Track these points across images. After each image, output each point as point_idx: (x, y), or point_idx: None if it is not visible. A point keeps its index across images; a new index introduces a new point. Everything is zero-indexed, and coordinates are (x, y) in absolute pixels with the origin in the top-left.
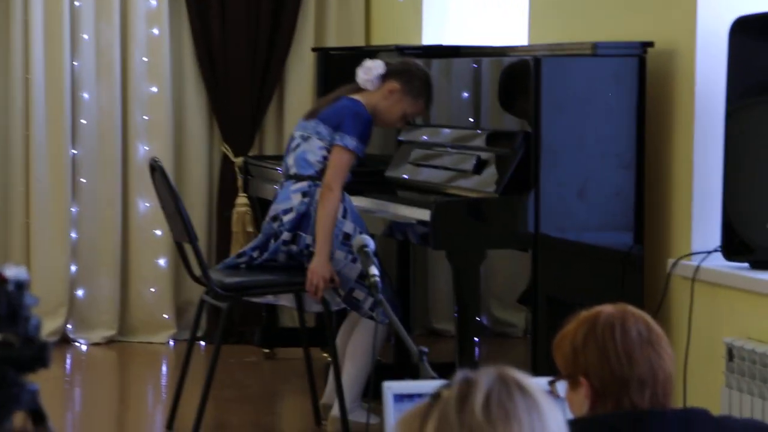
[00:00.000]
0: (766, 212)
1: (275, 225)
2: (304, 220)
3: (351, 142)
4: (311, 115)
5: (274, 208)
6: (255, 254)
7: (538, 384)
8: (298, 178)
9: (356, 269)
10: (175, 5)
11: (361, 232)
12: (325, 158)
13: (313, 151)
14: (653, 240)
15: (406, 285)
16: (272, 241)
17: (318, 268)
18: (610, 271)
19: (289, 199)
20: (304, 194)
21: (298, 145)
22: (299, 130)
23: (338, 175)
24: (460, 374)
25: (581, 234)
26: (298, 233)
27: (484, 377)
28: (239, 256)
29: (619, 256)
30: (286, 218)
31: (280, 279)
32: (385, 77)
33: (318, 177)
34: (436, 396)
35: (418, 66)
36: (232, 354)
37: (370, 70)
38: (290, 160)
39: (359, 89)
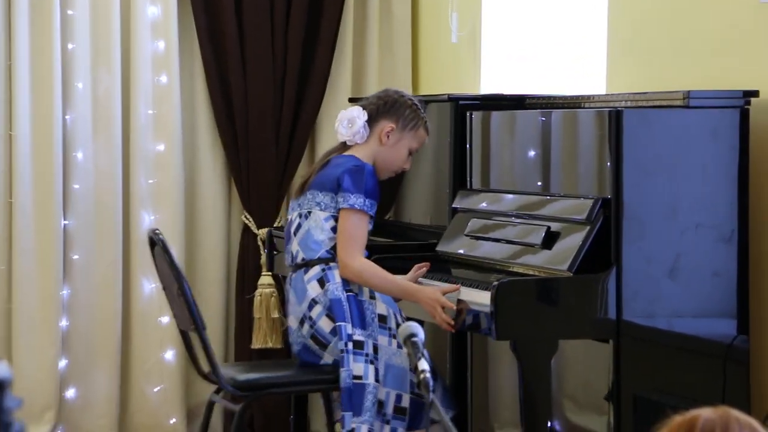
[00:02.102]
0: None
1: (305, 330)
2: (336, 308)
3: (357, 199)
4: (302, 190)
5: (296, 312)
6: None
7: None
8: (307, 265)
9: (405, 358)
10: (187, 48)
11: (396, 315)
12: (336, 229)
13: (320, 225)
14: (760, 329)
15: (462, 383)
16: (310, 347)
17: (425, 294)
18: (709, 366)
19: (305, 292)
20: (321, 282)
21: (299, 226)
22: (295, 210)
23: (351, 244)
24: None
25: (673, 321)
26: (336, 325)
27: None
28: None
29: (719, 348)
30: (315, 313)
31: (305, 375)
32: (371, 122)
33: (332, 257)
34: None
35: (399, 93)
36: None
37: (352, 122)
38: (294, 246)
39: (347, 147)
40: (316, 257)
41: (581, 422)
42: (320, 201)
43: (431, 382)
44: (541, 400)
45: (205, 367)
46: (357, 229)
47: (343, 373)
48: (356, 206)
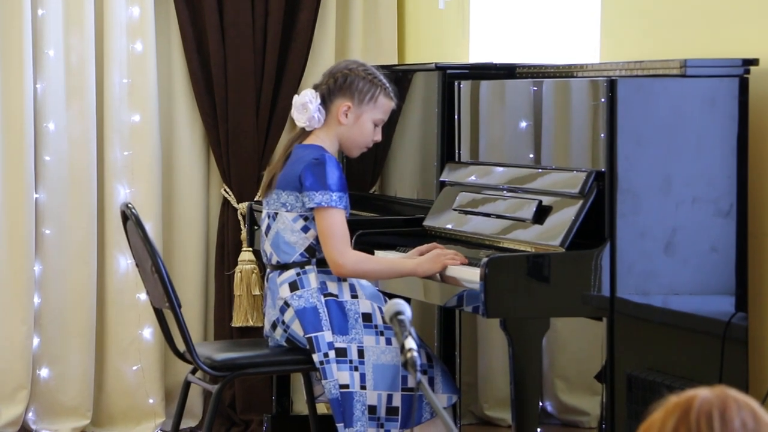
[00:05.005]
0: None
1: (278, 334)
2: (310, 317)
3: (323, 197)
4: (269, 187)
5: (270, 315)
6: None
7: None
8: (282, 267)
9: (395, 354)
10: (163, 14)
11: (381, 309)
12: (306, 228)
13: (288, 227)
14: (759, 306)
15: (450, 362)
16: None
17: (426, 260)
18: (706, 344)
19: (278, 295)
20: (294, 286)
21: (269, 227)
22: (265, 208)
23: (335, 242)
24: None
25: (668, 299)
26: (311, 337)
27: None
28: None
29: (717, 326)
30: (287, 317)
31: (285, 355)
32: (326, 103)
33: (307, 260)
34: None
35: (349, 66)
36: None
37: (306, 107)
38: (267, 247)
39: (308, 132)
40: (291, 261)
41: (573, 402)
42: (285, 201)
43: (418, 361)
44: (531, 380)
45: (181, 346)
46: (335, 225)
47: (328, 385)
48: (323, 204)
